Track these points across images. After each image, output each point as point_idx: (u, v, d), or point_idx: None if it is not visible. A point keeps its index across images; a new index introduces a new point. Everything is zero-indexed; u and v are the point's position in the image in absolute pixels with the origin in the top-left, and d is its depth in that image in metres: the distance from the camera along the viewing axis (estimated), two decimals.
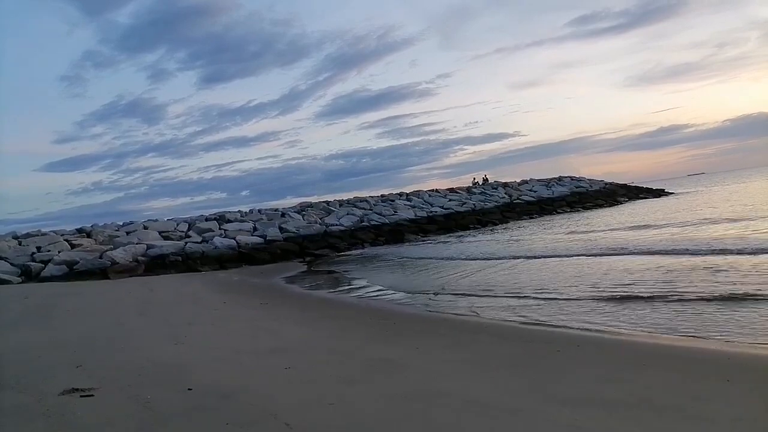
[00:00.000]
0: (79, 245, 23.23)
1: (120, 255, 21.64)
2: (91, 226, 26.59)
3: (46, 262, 20.73)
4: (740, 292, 7.83)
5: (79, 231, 25.72)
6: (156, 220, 28.29)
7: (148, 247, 23.13)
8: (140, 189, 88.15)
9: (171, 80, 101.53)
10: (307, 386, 4.82)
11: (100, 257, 21.43)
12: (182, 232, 26.25)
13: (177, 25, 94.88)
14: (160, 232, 25.60)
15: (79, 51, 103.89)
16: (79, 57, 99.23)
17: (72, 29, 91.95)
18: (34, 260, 21.09)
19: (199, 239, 25.11)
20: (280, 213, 31.00)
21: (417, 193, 38.77)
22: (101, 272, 20.23)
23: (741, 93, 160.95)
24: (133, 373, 5.49)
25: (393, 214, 32.76)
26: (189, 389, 4.75)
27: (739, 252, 11.22)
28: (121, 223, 27.65)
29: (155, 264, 21.73)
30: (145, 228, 26.13)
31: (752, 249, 11.29)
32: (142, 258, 22.14)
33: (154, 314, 10.38)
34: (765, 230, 14.59)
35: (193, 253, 23.08)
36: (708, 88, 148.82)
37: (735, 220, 18.22)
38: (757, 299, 7.34)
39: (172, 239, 24.96)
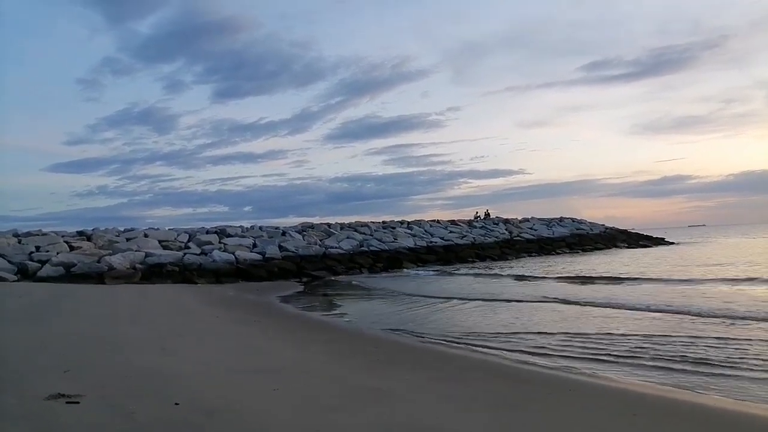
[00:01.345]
0: (79, 248, 23.23)
1: (118, 261, 21.63)
2: (92, 229, 26.63)
3: (43, 263, 20.71)
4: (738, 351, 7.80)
5: (80, 233, 25.73)
6: (157, 229, 28.30)
7: (147, 255, 23.13)
8: (144, 196, 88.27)
9: (186, 92, 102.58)
10: (295, 410, 4.79)
11: (98, 262, 21.42)
12: (182, 242, 26.27)
13: (197, 39, 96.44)
14: (159, 241, 25.61)
15: (98, 57, 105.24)
16: (98, 62, 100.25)
17: (93, 35, 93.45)
18: (31, 259, 21.07)
19: (198, 251, 25.11)
20: (281, 231, 31.03)
21: (418, 222, 38.84)
22: (98, 277, 20.20)
23: (745, 149, 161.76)
24: (121, 381, 5.46)
25: (393, 242, 32.77)
26: (176, 404, 4.72)
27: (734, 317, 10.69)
28: (122, 229, 27.69)
29: (152, 272, 21.70)
30: (146, 236, 26.15)
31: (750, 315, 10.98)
32: (140, 265, 22.12)
33: (146, 323, 10.34)
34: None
35: (190, 265, 23.06)
36: (713, 142, 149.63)
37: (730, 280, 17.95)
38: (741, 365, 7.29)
39: (171, 249, 24.96)
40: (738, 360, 7.18)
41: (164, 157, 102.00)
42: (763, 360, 7.13)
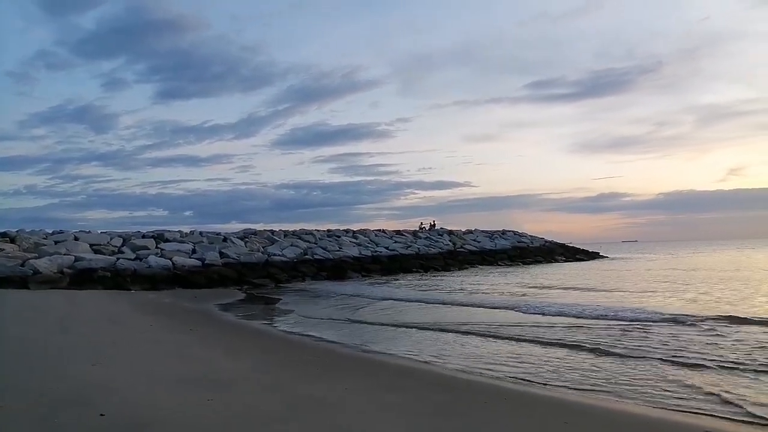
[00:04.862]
0: (1, 250, 21.76)
1: (44, 265, 20.41)
2: (17, 231, 25.05)
3: None
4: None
5: (2, 235, 24.13)
6: (89, 232, 26.97)
7: (76, 259, 21.96)
8: (77, 197, 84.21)
9: (126, 91, 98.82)
10: (230, 420, 4.66)
11: (22, 265, 20.13)
12: (115, 247, 25.13)
13: (141, 36, 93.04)
14: (91, 245, 24.39)
15: (32, 49, 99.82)
16: (31, 55, 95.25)
17: (29, 26, 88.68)
18: None
19: (133, 256, 24.08)
20: (222, 237, 30.25)
21: (363, 232, 38.85)
22: (21, 281, 18.97)
23: (675, 170, 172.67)
24: (44, 392, 5.15)
25: (337, 250, 32.61)
26: (101, 415, 4.49)
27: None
28: (50, 232, 26.19)
29: (82, 278, 20.61)
30: (76, 239, 24.84)
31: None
32: (68, 270, 20.96)
33: (74, 331, 9.81)
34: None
35: (124, 270, 22.07)
36: (646, 162, 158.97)
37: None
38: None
39: (103, 253, 23.81)
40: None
41: (100, 157, 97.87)
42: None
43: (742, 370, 7.21)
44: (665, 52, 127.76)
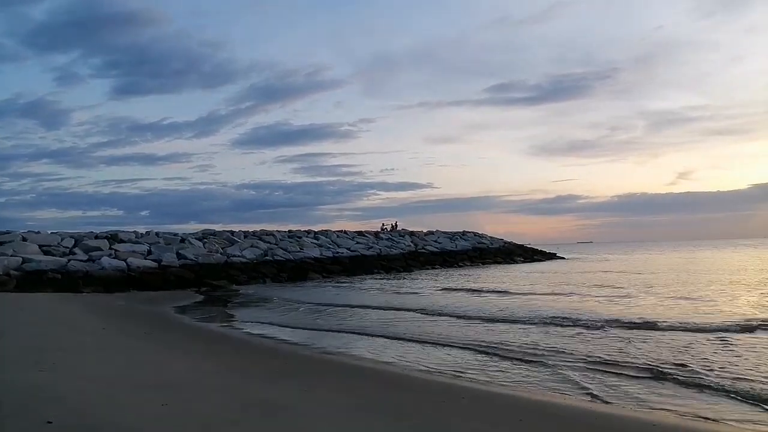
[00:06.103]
0: None
1: None
2: None
3: None
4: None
5: None
6: (38, 233, 25.88)
7: (24, 260, 21.08)
8: (26, 196, 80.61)
9: (80, 85, 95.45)
10: (183, 425, 4.57)
11: None
12: (66, 248, 24.22)
13: (97, 29, 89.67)
14: (40, 246, 23.44)
15: None
16: None
17: None
18: None
19: (85, 257, 23.28)
20: (180, 238, 29.57)
21: (325, 233, 38.68)
22: None
23: (628, 173, 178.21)
24: None
25: (298, 251, 32.37)
26: (49, 422, 4.33)
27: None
28: None
29: (29, 280, 19.79)
30: (24, 240, 23.82)
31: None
32: (15, 272, 20.10)
33: (20, 336, 9.41)
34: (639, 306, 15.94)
35: (75, 272, 21.31)
36: (600, 166, 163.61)
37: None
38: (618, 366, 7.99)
39: (53, 254, 22.94)
40: None
41: (51, 154, 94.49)
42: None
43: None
44: (621, 58, 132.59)
